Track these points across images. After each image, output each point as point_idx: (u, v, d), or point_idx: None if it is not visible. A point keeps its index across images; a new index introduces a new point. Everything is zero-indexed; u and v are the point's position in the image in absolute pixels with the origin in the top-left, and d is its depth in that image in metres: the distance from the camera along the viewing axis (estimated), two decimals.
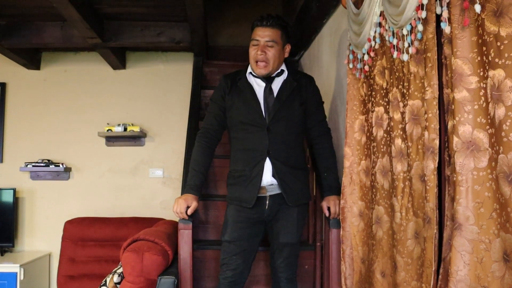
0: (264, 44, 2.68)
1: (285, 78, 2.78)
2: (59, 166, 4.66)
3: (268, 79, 2.76)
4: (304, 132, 2.83)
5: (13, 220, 4.53)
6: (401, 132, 2.02)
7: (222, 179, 3.70)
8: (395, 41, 2.03)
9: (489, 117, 1.51)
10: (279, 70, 2.78)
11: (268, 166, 2.66)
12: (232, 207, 2.74)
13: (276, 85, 2.77)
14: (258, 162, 2.65)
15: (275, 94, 2.74)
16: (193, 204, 2.68)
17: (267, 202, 2.70)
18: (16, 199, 4.59)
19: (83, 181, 4.86)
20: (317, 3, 3.34)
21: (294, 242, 2.74)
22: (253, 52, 2.71)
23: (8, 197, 4.53)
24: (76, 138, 4.87)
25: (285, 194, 2.66)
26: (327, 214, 2.77)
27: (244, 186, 2.67)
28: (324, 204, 2.78)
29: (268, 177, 2.66)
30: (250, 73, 2.79)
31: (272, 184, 2.68)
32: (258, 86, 2.77)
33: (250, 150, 2.69)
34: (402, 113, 2.00)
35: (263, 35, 2.69)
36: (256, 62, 2.70)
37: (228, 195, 2.79)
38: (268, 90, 2.74)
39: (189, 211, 2.68)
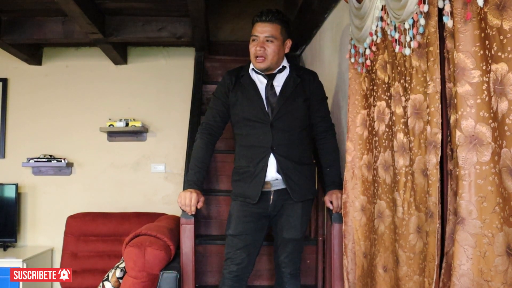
0: (263, 40, 2.68)
1: (287, 74, 2.79)
2: (61, 161, 4.67)
3: (270, 76, 2.76)
4: (309, 128, 2.83)
5: (16, 216, 4.54)
6: (403, 127, 2.01)
7: (224, 174, 3.70)
8: (397, 35, 2.03)
9: (492, 111, 1.50)
10: (280, 67, 2.78)
11: (272, 162, 2.66)
12: (236, 202, 2.75)
13: (278, 81, 2.77)
14: (262, 158, 2.66)
15: (277, 90, 2.74)
16: (202, 198, 2.69)
17: (272, 197, 2.71)
18: (18, 194, 4.60)
19: (85, 176, 4.87)
20: None
21: (298, 238, 2.75)
22: (252, 48, 2.71)
23: (10, 193, 4.54)
24: (78, 133, 4.87)
25: (290, 190, 2.67)
26: (330, 207, 2.77)
27: (248, 182, 2.68)
28: (327, 199, 2.78)
29: (272, 173, 2.67)
30: (253, 69, 2.79)
31: (277, 179, 2.69)
32: (260, 83, 2.77)
33: (254, 146, 2.69)
34: (404, 108, 2.00)
35: (262, 30, 2.68)
36: (256, 57, 2.70)
37: (232, 191, 2.80)
38: (269, 86, 2.75)
39: (199, 205, 2.68)
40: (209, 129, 2.81)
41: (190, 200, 2.64)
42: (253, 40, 2.72)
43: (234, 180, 2.80)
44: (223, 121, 2.85)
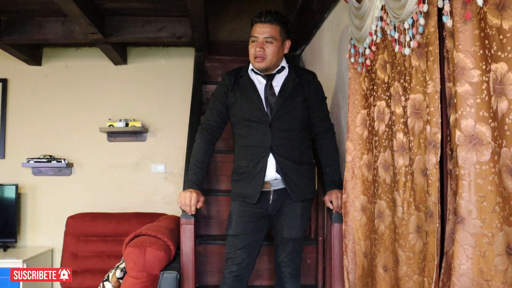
0: (262, 41, 2.69)
1: (286, 74, 2.79)
2: (61, 161, 4.67)
3: (268, 76, 2.77)
4: (308, 128, 2.83)
5: (16, 216, 4.54)
6: (403, 126, 2.01)
7: (224, 174, 3.70)
8: (396, 35, 2.03)
9: (491, 110, 1.50)
10: (279, 67, 2.78)
11: (271, 161, 2.66)
12: (236, 202, 2.75)
13: (277, 82, 2.78)
14: (262, 158, 2.66)
15: (276, 90, 2.75)
16: (202, 198, 2.69)
17: (271, 196, 2.71)
18: (18, 195, 4.60)
19: (85, 177, 4.87)
20: None
21: (297, 238, 2.75)
22: (252, 49, 2.72)
23: (10, 193, 4.54)
24: (78, 133, 4.87)
25: (289, 189, 2.67)
26: (330, 207, 2.77)
27: (248, 182, 2.68)
28: (327, 198, 2.78)
29: (272, 173, 2.67)
30: (252, 69, 2.80)
31: (276, 179, 2.69)
32: (260, 83, 2.78)
33: (254, 146, 2.70)
34: (404, 107, 2.00)
35: (262, 31, 2.69)
36: (255, 58, 2.71)
37: (232, 191, 2.80)
38: (268, 87, 2.75)
39: (199, 205, 2.68)
40: (208, 129, 2.82)
41: (190, 200, 2.64)
42: (253, 41, 2.73)
43: (233, 180, 2.80)
44: (222, 121, 2.85)
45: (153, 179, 4.90)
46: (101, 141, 4.89)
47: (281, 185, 2.70)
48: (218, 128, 2.84)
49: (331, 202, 2.76)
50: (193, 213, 2.70)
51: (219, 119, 2.83)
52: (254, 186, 2.66)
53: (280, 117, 2.69)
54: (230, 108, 2.80)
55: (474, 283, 1.57)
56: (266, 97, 2.73)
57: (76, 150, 4.86)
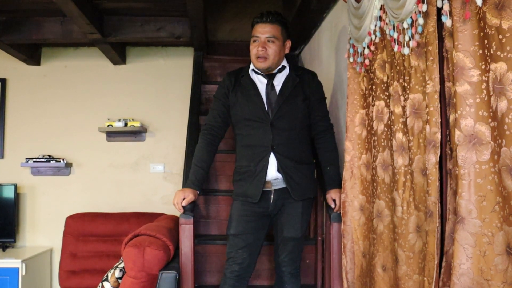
0: (264, 40, 2.70)
1: (287, 74, 2.80)
2: (60, 161, 4.66)
3: (269, 76, 2.77)
4: (308, 127, 2.84)
5: (15, 216, 4.54)
6: (402, 126, 2.01)
7: (224, 173, 3.70)
8: (395, 35, 2.03)
9: (491, 110, 1.50)
10: (280, 66, 2.79)
11: (273, 161, 2.67)
12: (237, 202, 2.76)
13: (278, 81, 2.78)
14: (263, 158, 2.67)
15: (277, 90, 2.76)
16: (189, 197, 2.71)
17: (272, 196, 2.72)
18: (17, 194, 4.59)
19: (84, 177, 4.86)
20: None
21: (298, 237, 2.75)
22: (254, 48, 2.73)
23: (9, 193, 4.53)
24: (76, 133, 4.86)
25: (290, 189, 2.68)
26: (332, 205, 2.77)
27: (250, 182, 2.69)
28: (329, 196, 2.78)
29: (273, 172, 2.68)
30: (253, 70, 2.80)
31: (277, 179, 2.70)
32: (260, 83, 2.79)
33: (255, 146, 2.71)
34: (403, 107, 2.00)
35: (263, 31, 2.70)
36: (257, 58, 2.71)
37: (234, 191, 2.81)
38: (270, 86, 2.76)
39: (184, 203, 2.71)
40: (210, 129, 2.84)
41: (176, 197, 2.71)
42: (254, 41, 2.74)
43: (235, 180, 2.81)
44: (224, 122, 2.86)
45: (152, 179, 4.90)
46: (100, 141, 4.88)
47: (282, 185, 2.71)
48: (219, 129, 2.85)
49: (334, 200, 2.76)
50: (181, 211, 2.74)
51: (220, 120, 2.84)
52: (255, 186, 2.67)
53: (281, 116, 2.70)
54: (231, 108, 2.81)
55: (474, 282, 1.57)
56: (267, 97, 2.74)
57: (75, 150, 4.86)
